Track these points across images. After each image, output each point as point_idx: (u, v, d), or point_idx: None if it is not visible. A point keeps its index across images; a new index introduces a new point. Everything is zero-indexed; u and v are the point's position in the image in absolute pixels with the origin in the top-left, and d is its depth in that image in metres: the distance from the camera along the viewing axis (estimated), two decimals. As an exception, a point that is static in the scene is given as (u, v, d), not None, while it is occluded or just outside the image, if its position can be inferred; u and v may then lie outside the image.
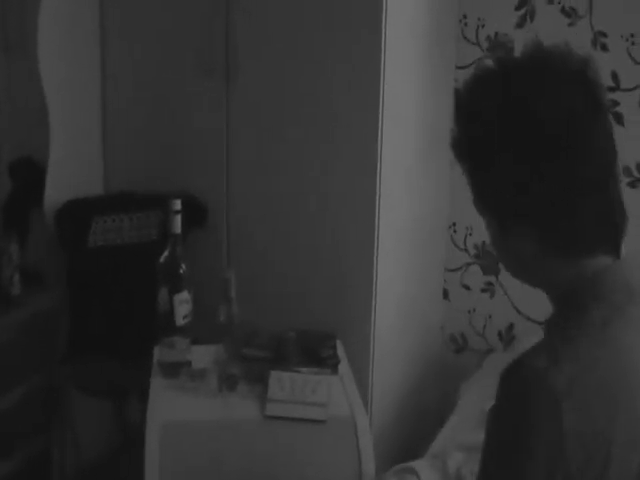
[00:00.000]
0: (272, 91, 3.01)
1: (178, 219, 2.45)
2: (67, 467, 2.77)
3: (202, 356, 2.49)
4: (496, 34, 3.36)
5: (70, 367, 2.74)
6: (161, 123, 3.24)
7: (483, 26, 3.37)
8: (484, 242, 3.47)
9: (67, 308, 2.86)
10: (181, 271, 2.46)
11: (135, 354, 2.75)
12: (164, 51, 3.19)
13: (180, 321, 2.46)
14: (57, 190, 3.16)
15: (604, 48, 3.18)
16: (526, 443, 1.23)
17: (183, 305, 2.46)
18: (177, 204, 2.45)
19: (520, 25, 3.31)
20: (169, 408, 2.31)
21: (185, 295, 2.46)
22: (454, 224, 3.53)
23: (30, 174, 3.26)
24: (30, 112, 3.24)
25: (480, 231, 3.45)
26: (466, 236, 3.53)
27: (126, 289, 2.98)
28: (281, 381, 2.34)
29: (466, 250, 3.54)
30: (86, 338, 2.90)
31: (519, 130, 1.31)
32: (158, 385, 2.41)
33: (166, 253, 2.46)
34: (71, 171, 3.24)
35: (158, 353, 2.50)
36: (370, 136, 2.83)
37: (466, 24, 3.39)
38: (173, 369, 2.45)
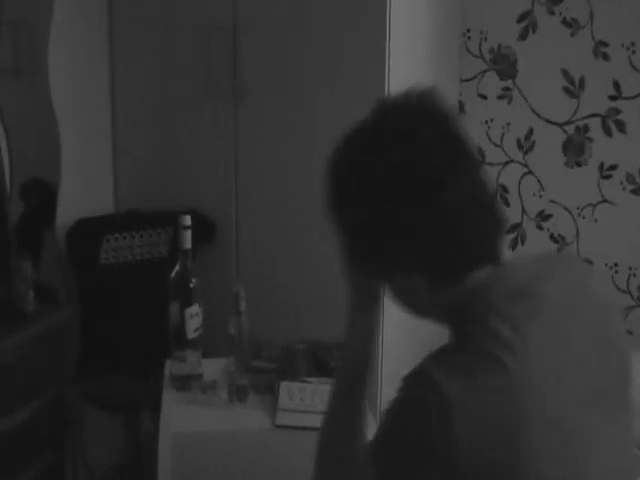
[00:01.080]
0: (279, 111, 3.06)
1: (188, 234, 2.48)
2: (80, 482, 2.81)
3: (213, 368, 2.52)
4: (499, 46, 3.39)
5: (82, 382, 2.78)
6: (170, 143, 3.30)
7: (486, 39, 3.41)
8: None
9: (78, 324, 2.90)
10: (191, 285, 2.49)
11: (146, 368, 2.78)
12: (172, 73, 3.25)
13: (191, 334, 2.48)
14: (68, 209, 3.21)
15: (605, 57, 3.22)
16: (415, 453, 1.23)
17: (194, 319, 2.49)
18: (187, 220, 2.48)
19: (523, 37, 3.35)
20: (181, 420, 2.34)
21: (196, 309, 2.49)
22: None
23: (41, 195, 3.30)
24: (41, 134, 3.28)
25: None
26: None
27: (136, 305, 3.02)
28: (291, 391, 2.37)
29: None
30: (98, 353, 2.94)
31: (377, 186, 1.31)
32: (170, 398, 2.44)
33: (177, 268, 2.49)
34: (81, 191, 3.29)
35: (170, 367, 2.52)
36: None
37: (469, 37, 3.43)
38: (185, 382, 2.47)
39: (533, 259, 1.42)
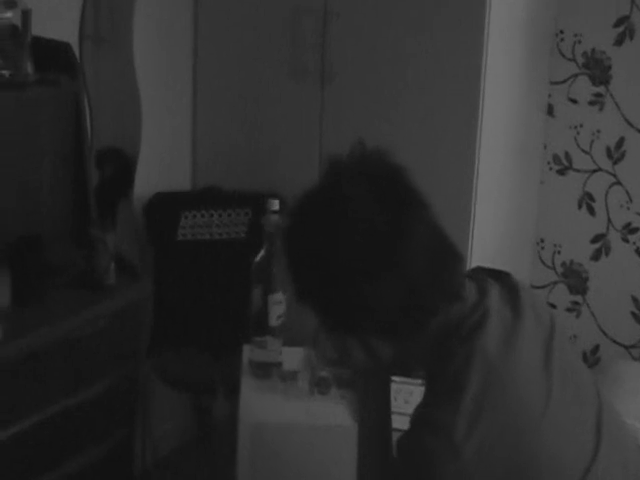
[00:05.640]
0: (367, 95, 2.99)
1: (275, 218, 2.43)
2: (147, 458, 2.78)
3: (293, 358, 2.47)
4: (593, 50, 3.31)
5: (155, 358, 2.74)
6: (252, 122, 3.25)
7: (580, 42, 3.32)
8: (572, 260, 3.42)
9: (153, 300, 2.86)
10: (275, 271, 2.44)
11: (220, 349, 2.74)
12: (258, 51, 3.19)
13: (273, 322, 2.43)
14: (145, 183, 3.17)
15: None
16: None
17: (277, 305, 2.44)
18: (275, 204, 2.43)
19: (619, 43, 3.26)
20: (260, 409, 2.29)
21: (280, 296, 2.44)
22: (542, 240, 3.48)
23: (118, 165, 3.27)
24: (122, 103, 3.24)
25: (568, 249, 3.42)
26: (554, 254, 3.47)
27: (212, 284, 2.98)
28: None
29: (553, 268, 3.49)
30: (172, 331, 2.90)
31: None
32: (249, 385, 2.39)
33: (262, 252, 2.44)
34: (159, 164, 3.25)
35: (249, 352, 2.48)
36: (468, 147, 2.81)
37: (562, 39, 3.35)
38: (264, 369, 2.42)
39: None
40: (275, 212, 2.43)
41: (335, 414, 2.28)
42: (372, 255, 1.34)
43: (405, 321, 1.40)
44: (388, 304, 1.37)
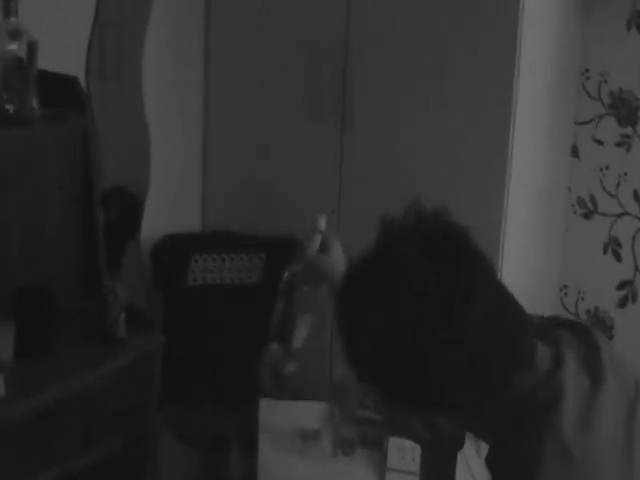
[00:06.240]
0: (389, 139, 2.87)
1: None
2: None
3: (313, 414, 2.33)
4: (620, 90, 3.19)
5: (164, 414, 2.59)
6: (266, 163, 3.12)
7: (606, 81, 3.21)
8: (597, 307, 3.29)
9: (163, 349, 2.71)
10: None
11: (235, 403, 2.60)
12: (273, 88, 3.08)
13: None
14: (153, 224, 3.03)
15: None
16: None
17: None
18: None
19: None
20: (280, 471, 2.15)
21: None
22: (565, 286, 3.35)
23: (124, 205, 3.14)
24: (130, 141, 3.12)
25: (592, 295, 3.29)
26: (577, 300, 3.34)
27: (226, 333, 2.83)
28: (401, 450, 2.17)
29: (577, 315, 3.35)
30: (181, 383, 2.75)
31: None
32: (267, 443, 2.25)
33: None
34: (167, 205, 3.11)
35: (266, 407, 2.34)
36: (497, 194, 2.70)
37: (588, 77, 3.23)
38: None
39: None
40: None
41: (360, 477, 2.14)
42: (433, 322, 1.20)
43: (470, 396, 1.25)
44: (453, 377, 1.22)
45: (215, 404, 2.72)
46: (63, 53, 2.62)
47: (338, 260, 1.79)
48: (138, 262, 2.96)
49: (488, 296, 1.25)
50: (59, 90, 2.44)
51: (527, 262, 2.99)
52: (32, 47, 2.29)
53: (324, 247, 1.83)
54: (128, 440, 2.32)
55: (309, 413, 2.33)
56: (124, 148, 3.12)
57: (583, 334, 1.38)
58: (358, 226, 2.92)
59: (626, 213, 3.22)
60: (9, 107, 2.27)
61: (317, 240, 2.06)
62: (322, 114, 2.93)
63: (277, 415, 2.34)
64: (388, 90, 2.86)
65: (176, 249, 2.95)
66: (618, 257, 3.24)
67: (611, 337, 3.27)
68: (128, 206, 3.10)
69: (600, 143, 3.23)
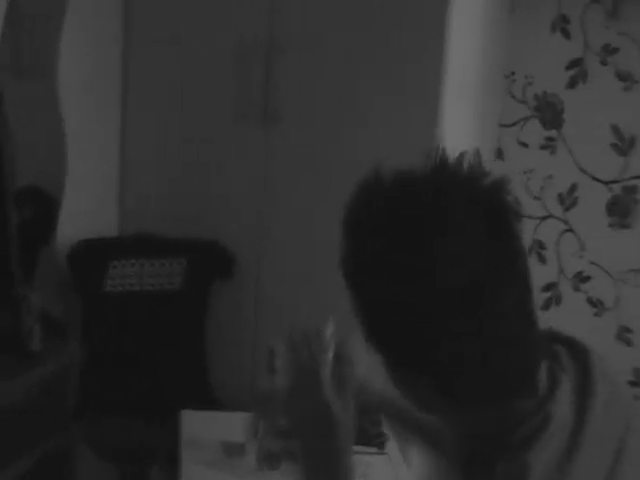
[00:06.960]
0: (314, 141, 2.83)
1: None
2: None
3: (237, 426, 2.24)
4: (545, 93, 3.18)
5: (82, 425, 2.48)
6: (188, 164, 3.03)
7: (531, 84, 3.20)
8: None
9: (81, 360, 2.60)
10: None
11: (155, 415, 2.50)
12: (194, 90, 3.00)
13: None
14: (68, 227, 2.91)
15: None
16: None
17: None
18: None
19: (571, 86, 3.14)
20: (203, 487, 2.07)
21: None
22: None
23: (39, 206, 3.01)
24: (45, 139, 3.01)
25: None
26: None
27: (146, 340, 2.73)
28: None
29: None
30: (99, 393, 2.64)
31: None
32: (189, 459, 2.16)
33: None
34: (84, 208, 2.99)
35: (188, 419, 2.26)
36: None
37: (514, 81, 3.21)
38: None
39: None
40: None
41: (287, 492, 2.07)
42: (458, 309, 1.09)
43: (478, 395, 1.15)
44: (467, 365, 1.12)
45: (136, 414, 2.62)
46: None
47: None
48: (54, 268, 2.84)
49: (516, 297, 1.15)
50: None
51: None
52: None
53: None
54: (41, 457, 2.21)
55: (233, 425, 2.25)
56: (38, 145, 3.01)
57: (581, 356, 1.27)
58: (284, 227, 2.87)
59: (551, 216, 3.22)
60: None
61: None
62: (246, 114, 2.86)
63: (200, 427, 2.26)
64: (313, 89, 2.81)
65: (93, 254, 2.84)
66: (543, 260, 3.23)
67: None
68: (43, 207, 2.98)
69: (525, 146, 3.23)
